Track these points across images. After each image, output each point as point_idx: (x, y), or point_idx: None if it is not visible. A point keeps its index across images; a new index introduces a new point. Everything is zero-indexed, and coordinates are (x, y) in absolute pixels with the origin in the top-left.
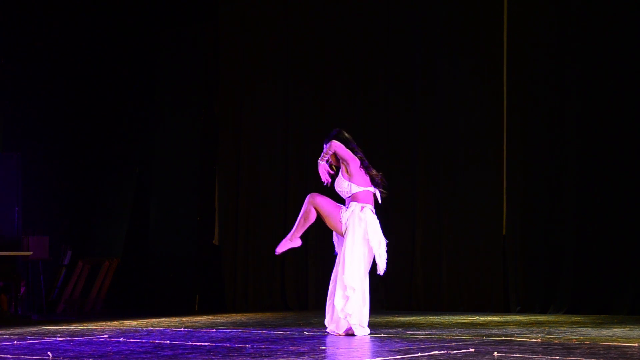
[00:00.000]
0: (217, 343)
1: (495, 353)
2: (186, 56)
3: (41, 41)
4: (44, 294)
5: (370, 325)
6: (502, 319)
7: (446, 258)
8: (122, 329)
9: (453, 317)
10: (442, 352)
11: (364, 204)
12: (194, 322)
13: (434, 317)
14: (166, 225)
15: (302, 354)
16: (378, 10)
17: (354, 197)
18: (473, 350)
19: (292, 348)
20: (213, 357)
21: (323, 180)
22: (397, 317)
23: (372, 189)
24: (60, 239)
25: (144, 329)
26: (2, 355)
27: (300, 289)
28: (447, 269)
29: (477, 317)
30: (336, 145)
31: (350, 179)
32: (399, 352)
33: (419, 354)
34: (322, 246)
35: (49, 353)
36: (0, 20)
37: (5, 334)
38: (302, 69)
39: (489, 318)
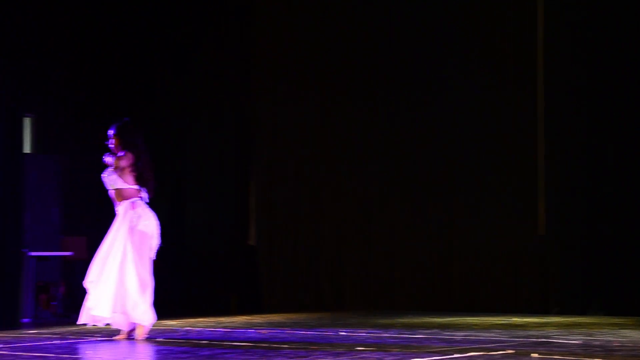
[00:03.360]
0: (254, 343)
1: (534, 354)
2: (222, 56)
3: (78, 44)
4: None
5: (406, 326)
6: (540, 320)
7: (483, 258)
8: (159, 329)
9: (490, 318)
10: (480, 353)
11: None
12: (231, 322)
13: (471, 318)
14: (202, 225)
15: (339, 354)
16: (414, 13)
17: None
18: (512, 351)
19: (329, 348)
20: (250, 357)
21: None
22: (433, 317)
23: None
24: (99, 239)
25: (182, 328)
26: (44, 354)
27: (337, 288)
28: (484, 269)
29: (515, 319)
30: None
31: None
32: (436, 353)
33: (456, 355)
34: (358, 245)
35: (88, 352)
36: (39, 21)
37: (46, 334)
38: (338, 71)
39: (527, 319)
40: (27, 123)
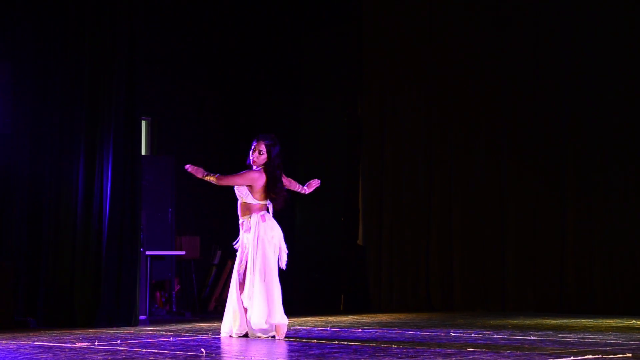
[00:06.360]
0: (363, 343)
1: None
2: (330, 57)
3: (193, 48)
4: (196, 292)
5: (518, 327)
6: None
7: (599, 258)
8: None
9: (607, 321)
10: (597, 356)
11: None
12: (340, 321)
13: (587, 320)
14: (311, 225)
15: (449, 355)
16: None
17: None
18: (630, 355)
19: (438, 349)
20: (359, 357)
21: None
22: (547, 319)
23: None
24: (211, 239)
25: (291, 328)
26: (160, 351)
27: (446, 288)
28: (601, 269)
29: (634, 321)
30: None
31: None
32: (550, 354)
33: (572, 358)
34: (467, 245)
35: (202, 349)
36: (148, 23)
37: (162, 331)
38: (445, 70)
39: None
40: (143, 125)
